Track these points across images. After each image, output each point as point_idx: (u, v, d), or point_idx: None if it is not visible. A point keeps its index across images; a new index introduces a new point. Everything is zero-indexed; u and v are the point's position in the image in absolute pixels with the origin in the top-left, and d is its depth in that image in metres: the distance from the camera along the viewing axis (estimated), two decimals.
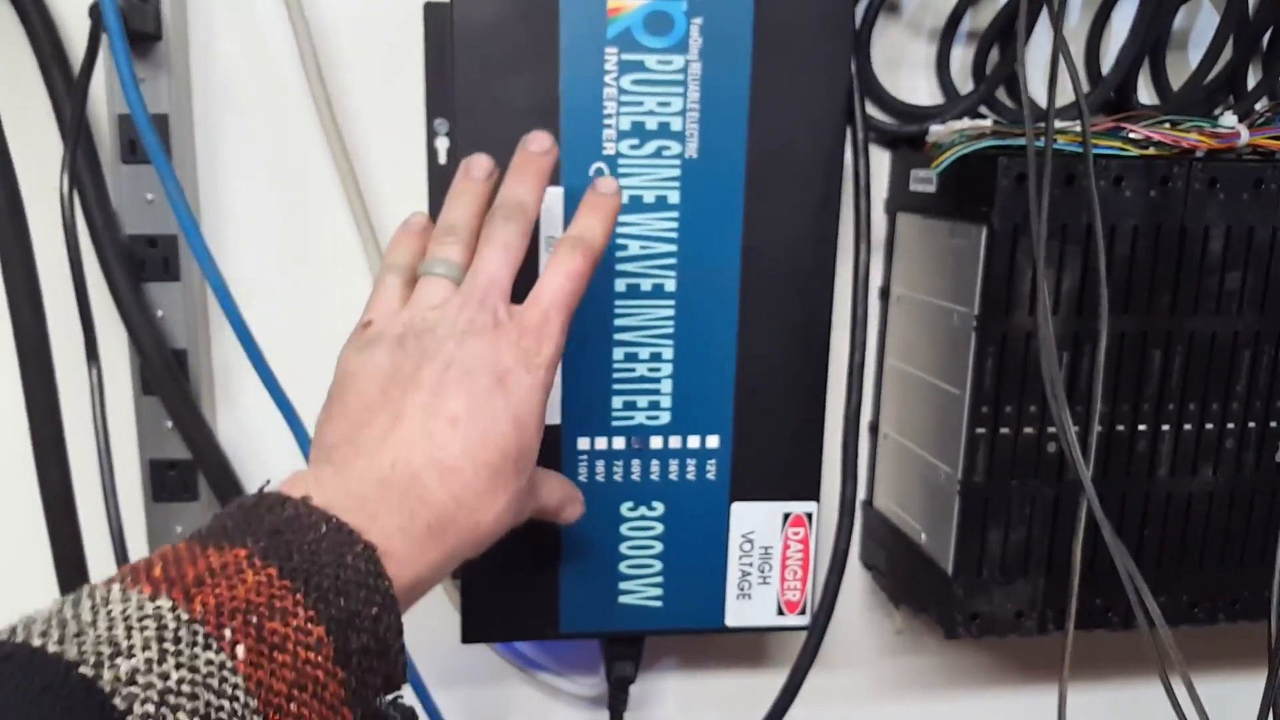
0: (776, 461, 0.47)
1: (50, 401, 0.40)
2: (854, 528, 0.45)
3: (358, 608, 0.27)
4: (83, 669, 0.23)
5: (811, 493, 0.47)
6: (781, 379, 0.46)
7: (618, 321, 0.44)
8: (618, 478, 0.46)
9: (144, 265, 0.46)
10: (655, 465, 0.46)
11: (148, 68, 0.45)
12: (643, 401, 0.45)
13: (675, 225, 0.44)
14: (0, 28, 0.44)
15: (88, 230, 0.44)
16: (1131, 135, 0.43)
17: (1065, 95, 0.51)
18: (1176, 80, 0.52)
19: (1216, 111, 0.52)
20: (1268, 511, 0.48)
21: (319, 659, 0.26)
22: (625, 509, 0.46)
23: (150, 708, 0.23)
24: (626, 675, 0.50)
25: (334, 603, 0.27)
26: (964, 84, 0.51)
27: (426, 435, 0.31)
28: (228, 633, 0.25)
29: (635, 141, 0.43)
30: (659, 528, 0.47)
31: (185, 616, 0.24)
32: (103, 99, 0.45)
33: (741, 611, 0.48)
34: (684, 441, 0.46)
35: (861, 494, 0.57)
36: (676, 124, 0.43)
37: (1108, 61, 0.51)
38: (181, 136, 0.47)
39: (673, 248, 0.44)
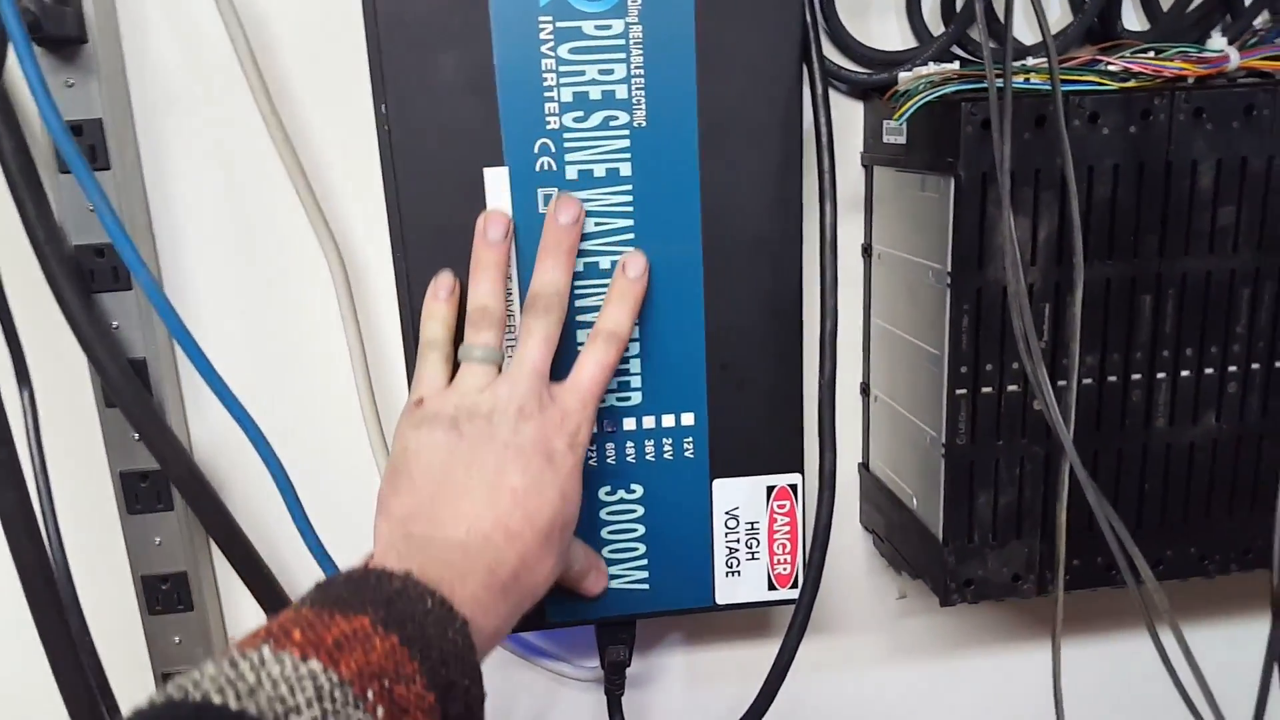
0: (755, 435, 0.45)
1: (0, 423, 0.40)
2: (834, 499, 0.44)
3: (456, 678, 0.30)
4: None
5: (795, 464, 0.46)
6: (754, 350, 0.44)
7: (579, 303, 0.42)
8: (592, 462, 0.44)
9: (94, 275, 0.45)
10: (630, 447, 0.45)
11: (76, 72, 0.43)
12: (613, 383, 0.44)
13: (630, 199, 0.42)
14: None
15: (30, 244, 0.43)
16: (1109, 68, 0.40)
17: (1052, 27, 0.48)
18: (1167, 3, 0.49)
19: (1218, 30, 0.49)
20: (1279, 455, 0.45)
21: None
22: (603, 493, 0.45)
23: None
24: (620, 659, 0.49)
25: (440, 672, 0.29)
26: (938, 26, 0.48)
27: (492, 505, 0.36)
28: (370, 695, 0.27)
29: (579, 114, 0.41)
30: (639, 510, 0.45)
31: (336, 679, 0.26)
32: (33, 106, 0.44)
33: (731, 589, 0.47)
34: (658, 421, 0.45)
35: (858, 457, 0.55)
36: (621, 92, 0.41)
37: None
38: (122, 140, 0.45)
39: (629, 222, 0.42)
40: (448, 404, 0.38)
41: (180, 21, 0.46)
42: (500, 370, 0.39)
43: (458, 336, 0.40)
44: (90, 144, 0.44)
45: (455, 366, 0.40)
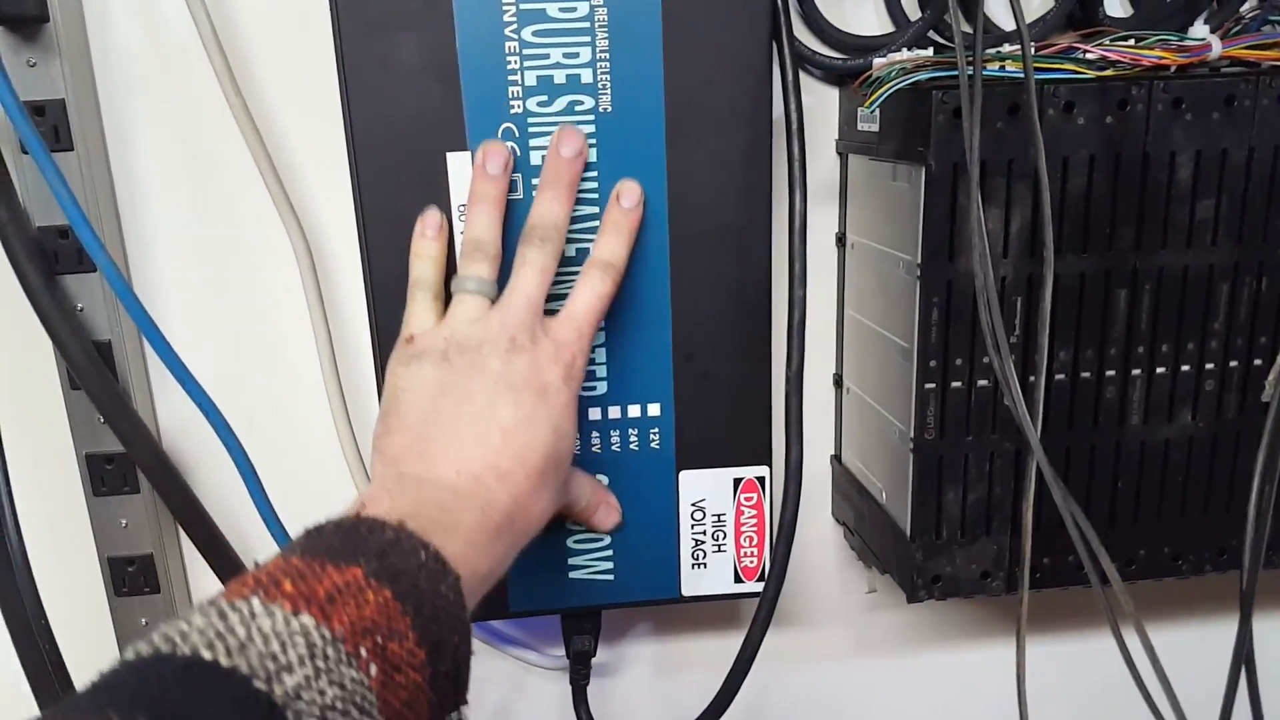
0: (723, 426, 0.45)
1: None
2: (800, 492, 0.43)
3: (446, 634, 0.29)
4: (256, 683, 0.24)
5: (762, 456, 0.45)
6: (721, 341, 0.43)
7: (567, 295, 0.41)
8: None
9: (58, 257, 0.45)
10: (595, 437, 0.44)
11: (38, 51, 0.43)
12: None
13: (595, 185, 0.41)
14: None
15: None
16: (1086, 56, 0.39)
17: (1032, 13, 0.47)
18: None
19: (1203, 17, 0.47)
20: (1255, 454, 0.44)
21: (420, 680, 0.28)
22: None
23: None
24: (584, 649, 0.49)
25: (430, 628, 0.28)
26: (916, 11, 0.47)
27: (482, 443, 0.35)
28: (363, 652, 0.26)
29: (543, 98, 0.40)
30: None
31: (328, 635, 0.26)
32: None
33: (697, 580, 0.47)
34: (624, 412, 0.44)
35: (831, 449, 0.54)
36: (586, 76, 0.40)
37: None
38: (86, 121, 0.45)
39: (594, 209, 0.41)
40: (438, 338, 0.37)
41: (144, 2, 0.45)
42: (493, 304, 0.38)
43: (448, 275, 0.39)
44: (53, 124, 0.44)
45: (446, 305, 0.39)
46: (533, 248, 0.38)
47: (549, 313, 0.38)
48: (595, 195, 0.41)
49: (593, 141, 0.41)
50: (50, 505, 0.49)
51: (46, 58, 0.43)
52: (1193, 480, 0.44)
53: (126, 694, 0.23)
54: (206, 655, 0.24)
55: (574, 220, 0.41)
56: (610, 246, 0.39)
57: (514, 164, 0.39)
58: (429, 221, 0.39)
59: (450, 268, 0.40)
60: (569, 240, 0.41)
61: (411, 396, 0.36)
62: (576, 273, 0.41)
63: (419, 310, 0.39)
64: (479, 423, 0.35)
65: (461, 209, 0.41)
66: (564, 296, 0.39)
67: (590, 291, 0.38)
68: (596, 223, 0.41)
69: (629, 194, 0.40)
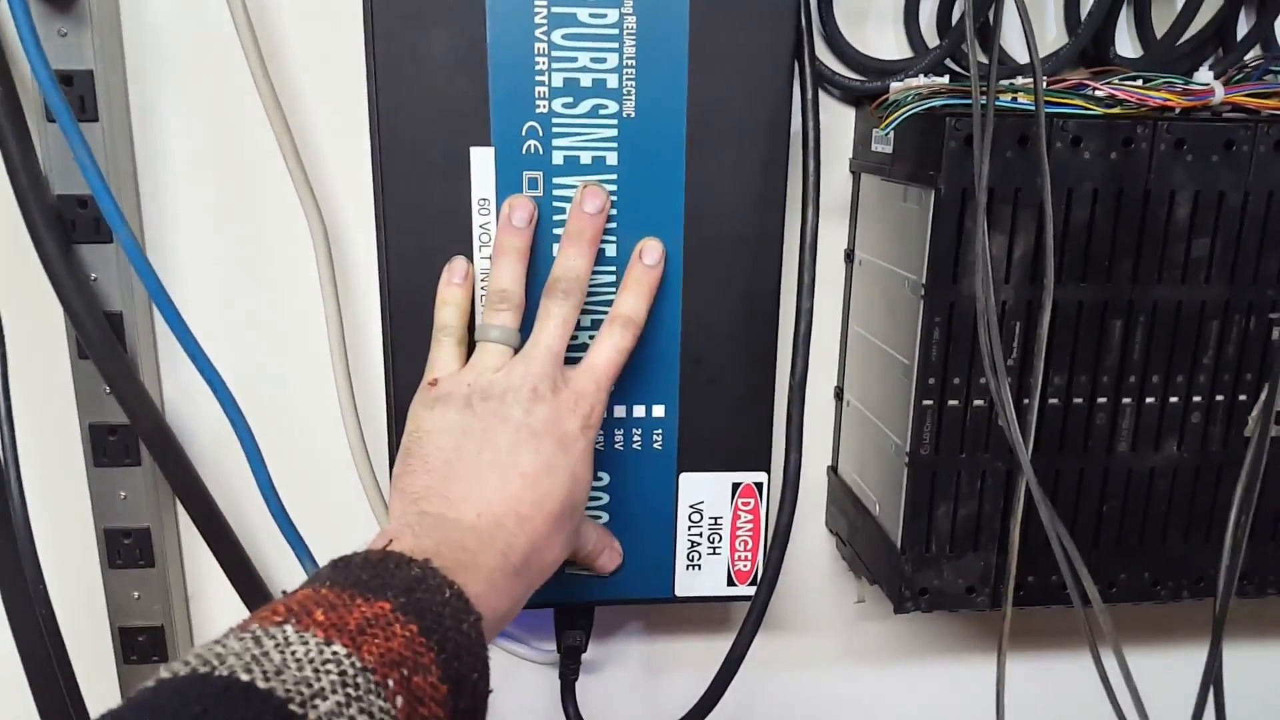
0: (725, 431, 0.46)
1: None
2: (797, 499, 0.44)
3: (467, 672, 0.30)
4: (292, 707, 0.24)
5: (761, 463, 0.46)
6: (728, 347, 0.44)
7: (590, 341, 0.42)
8: None
9: (75, 226, 0.45)
10: (601, 435, 0.45)
11: (69, 22, 0.43)
12: None
13: (614, 189, 0.42)
14: None
15: (13, 190, 0.43)
16: (1095, 93, 0.41)
17: (1047, 47, 0.49)
18: (1162, 30, 0.49)
19: (1208, 63, 0.49)
20: (1235, 486, 0.46)
21: (442, 714, 0.28)
22: None
23: None
24: (576, 644, 0.50)
25: (453, 665, 0.29)
26: (934, 37, 0.49)
27: (503, 487, 0.36)
28: (390, 683, 0.27)
29: (569, 99, 0.41)
30: (605, 498, 0.46)
31: (359, 664, 0.26)
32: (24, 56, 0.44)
33: (691, 582, 0.48)
34: (629, 411, 0.45)
35: (828, 460, 0.55)
36: (612, 81, 0.41)
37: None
38: (113, 93, 0.45)
39: (613, 211, 0.42)
40: (461, 384, 0.38)
41: None
42: (516, 352, 0.39)
43: (471, 321, 0.41)
44: (80, 95, 0.44)
45: (469, 350, 0.40)
46: (556, 301, 0.39)
47: (569, 362, 0.40)
48: (614, 198, 0.42)
49: (614, 145, 0.41)
50: (51, 474, 0.49)
51: (78, 28, 0.43)
52: (1175, 508, 0.46)
53: (169, 713, 0.24)
54: (244, 677, 0.24)
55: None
56: (631, 303, 0.41)
57: (538, 218, 0.41)
58: (456, 269, 0.41)
59: (474, 306, 0.41)
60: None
61: (435, 439, 0.37)
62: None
63: (443, 355, 0.40)
64: (501, 468, 0.36)
65: (482, 203, 0.42)
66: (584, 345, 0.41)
67: (611, 346, 0.40)
68: (611, 225, 0.42)
69: (651, 251, 0.41)
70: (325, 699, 0.25)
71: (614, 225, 0.42)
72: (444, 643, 0.29)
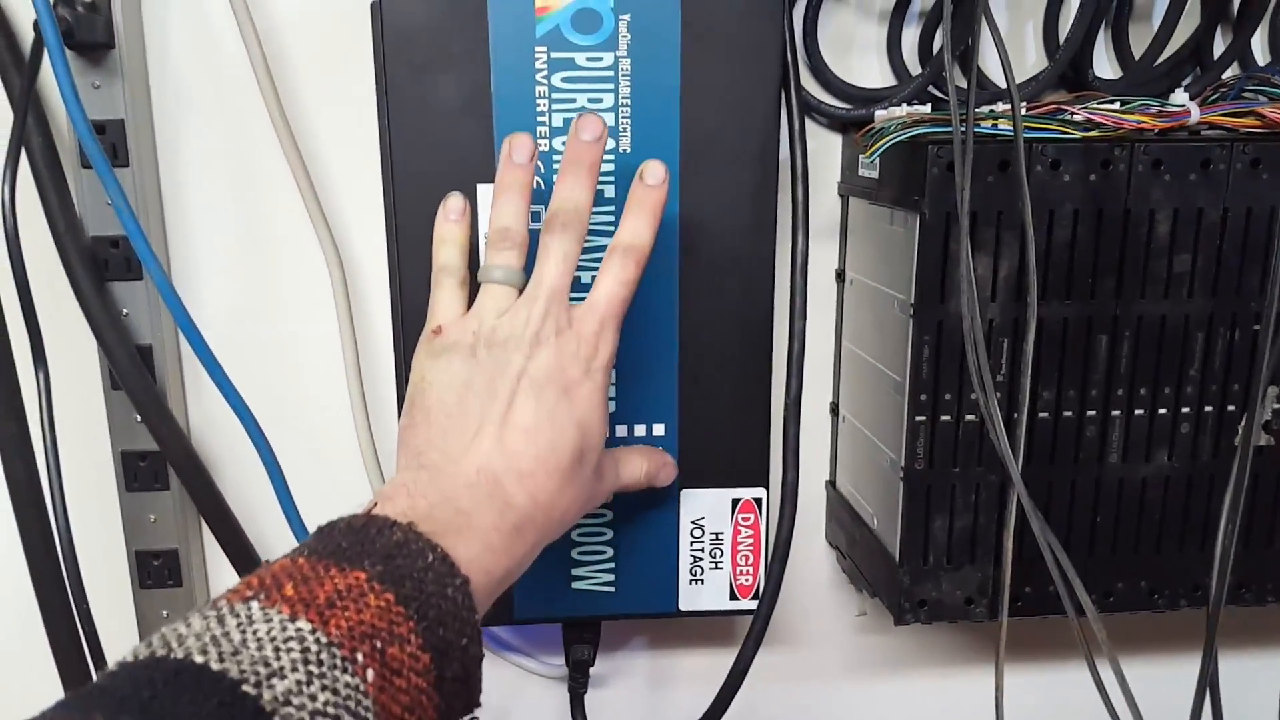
0: (724, 448, 0.47)
1: (13, 400, 0.42)
2: (795, 514, 0.45)
3: (453, 638, 0.29)
4: (245, 688, 0.24)
5: (760, 478, 0.48)
6: (724, 367, 0.46)
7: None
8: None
9: (108, 265, 0.48)
10: None
11: (102, 75, 0.46)
12: None
13: (612, 219, 0.44)
14: None
15: (50, 233, 0.46)
16: (1073, 117, 0.42)
17: (1027, 71, 0.50)
18: (1140, 51, 0.50)
19: (1185, 83, 0.50)
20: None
21: (425, 684, 0.28)
22: None
23: None
24: (583, 658, 0.51)
25: (436, 632, 0.29)
26: (917, 65, 0.51)
27: (502, 444, 0.35)
28: (359, 657, 0.26)
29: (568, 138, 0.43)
30: (609, 515, 0.47)
31: (324, 640, 0.26)
32: (62, 107, 0.47)
33: (694, 596, 0.49)
34: (630, 431, 0.47)
35: (826, 475, 0.57)
36: (609, 119, 0.43)
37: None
38: (141, 140, 0.48)
39: (610, 240, 0.44)
40: (466, 331, 0.37)
41: (200, 30, 0.48)
42: (520, 292, 0.38)
43: (472, 261, 0.40)
44: (112, 142, 0.47)
45: (471, 292, 0.39)
46: (555, 235, 0.37)
47: (576, 298, 0.38)
48: (613, 228, 0.44)
49: (612, 179, 0.44)
50: (85, 498, 0.52)
51: (110, 81, 0.46)
52: (1169, 518, 0.46)
53: (117, 697, 0.24)
54: (199, 659, 0.24)
55: (587, 251, 0.43)
56: (633, 228, 0.38)
57: (537, 154, 0.40)
58: (452, 205, 0.39)
59: (474, 255, 0.41)
60: (582, 268, 0.44)
61: (438, 391, 0.36)
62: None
63: (445, 298, 0.38)
64: (501, 422, 0.35)
65: (488, 236, 0.44)
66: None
67: (612, 279, 0.37)
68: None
69: (653, 172, 0.38)
70: (284, 677, 0.25)
71: None
72: (425, 609, 0.28)
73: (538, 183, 0.43)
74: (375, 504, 0.33)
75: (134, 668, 0.25)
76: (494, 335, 0.36)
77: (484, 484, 0.34)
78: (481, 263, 0.39)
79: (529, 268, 0.38)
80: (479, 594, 0.31)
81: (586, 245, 0.39)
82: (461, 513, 0.33)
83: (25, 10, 0.46)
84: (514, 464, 0.35)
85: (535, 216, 0.41)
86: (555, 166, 0.43)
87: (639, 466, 0.43)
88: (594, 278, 0.38)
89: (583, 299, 0.38)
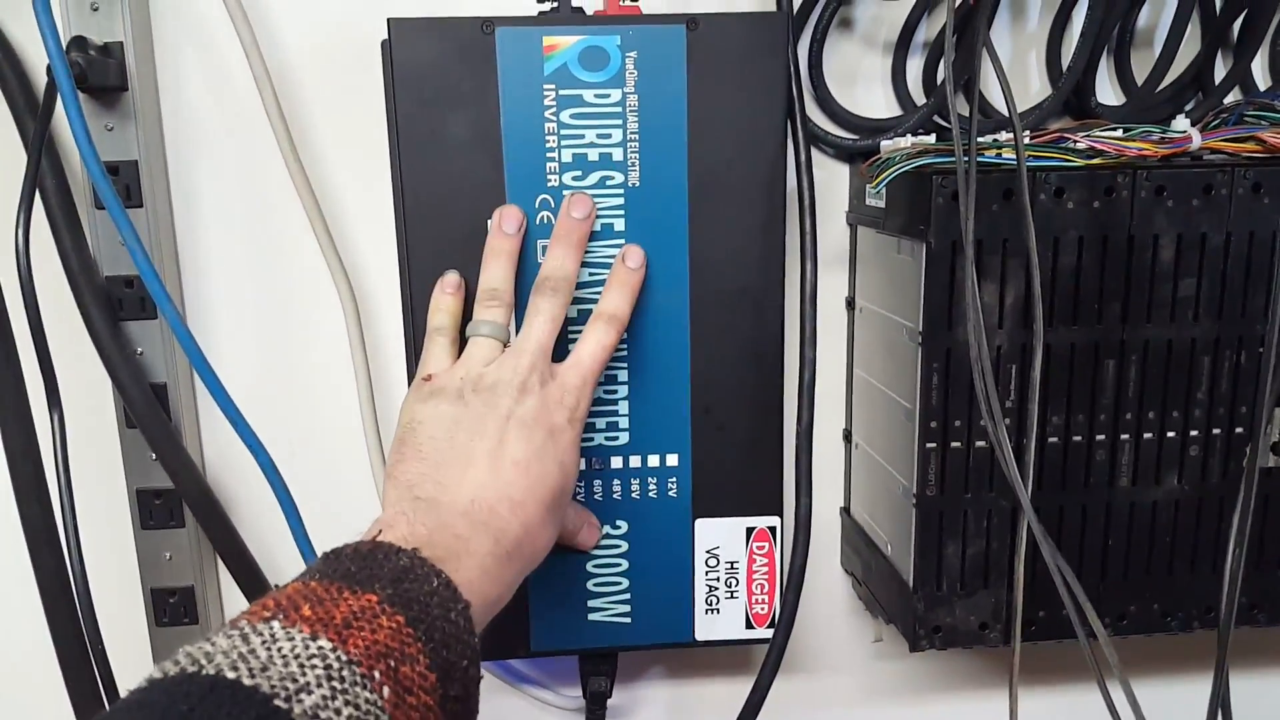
0: (737, 477, 0.47)
1: (28, 442, 0.43)
2: (809, 543, 0.46)
3: (455, 659, 0.31)
4: (277, 702, 0.25)
5: (774, 507, 0.48)
6: (737, 396, 0.46)
7: (573, 346, 0.45)
8: (580, 498, 0.47)
9: (122, 304, 0.48)
10: (617, 485, 0.47)
11: (115, 117, 0.47)
12: (601, 423, 0.46)
13: (618, 250, 0.44)
14: None
15: (65, 273, 0.46)
16: (1076, 145, 0.43)
17: (1031, 99, 0.51)
18: (1142, 77, 0.51)
19: (1188, 108, 0.51)
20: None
21: (432, 702, 0.29)
22: None
23: None
24: (601, 690, 0.51)
25: (441, 653, 0.30)
26: (921, 95, 0.51)
27: (496, 475, 0.37)
28: (376, 675, 0.28)
29: (578, 173, 0.44)
30: (624, 545, 0.48)
31: (345, 658, 0.27)
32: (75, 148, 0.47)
33: (710, 626, 0.49)
34: (644, 461, 0.47)
35: (841, 501, 0.57)
36: (618, 154, 0.44)
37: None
38: (155, 180, 0.49)
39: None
40: (454, 377, 0.40)
41: (212, 72, 0.49)
42: (506, 347, 0.41)
43: (463, 327, 0.43)
44: (126, 183, 0.48)
45: (460, 350, 0.42)
46: (545, 297, 0.41)
47: (557, 359, 0.41)
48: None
49: (621, 213, 0.44)
50: (101, 536, 0.52)
51: (123, 123, 0.47)
52: (1180, 540, 0.47)
53: (157, 710, 0.25)
54: (230, 675, 0.25)
55: (599, 284, 0.44)
56: (615, 301, 0.43)
57: (526, 226, 0.43)
58: (448, 281, 0.43)
59: (466, 320, 0.43)
60: (593, 300, 0.44)
61: (428, 430, 0.39)
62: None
63: (436, 351, 0.42)
64: (493, 456, 0.38)
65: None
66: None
67: (595, 342, 0.42)
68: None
69: (633, 256, 0.43)
70: (310, 693, 0.26)
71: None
72: (432, 632, 0.30)
73: (547, 217, 0.44)
74: (378, 531, 0.34)
75: (167, 684, 0.25)
76: (481, 381, 0.39)
77: (479, 512, 0.36)
78: (471, 319, 0.42)
79: (515, 328, 0.42)
80: (476, 617, 0.33)
81: (594, 270, 0.43)
82: (459, 539, 0.35)
83: (39, 53, 0.47)
84: (507, 493, 0.37)
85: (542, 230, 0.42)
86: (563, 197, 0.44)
87: (571, 518, 0.45)
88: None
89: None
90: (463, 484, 0.37)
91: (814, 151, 0.50)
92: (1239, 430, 0.46)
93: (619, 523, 0.47)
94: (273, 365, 0.52)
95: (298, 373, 0.52)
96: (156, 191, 0.49)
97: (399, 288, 0.44)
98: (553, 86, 0.43)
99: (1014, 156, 0.41)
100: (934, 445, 0.44)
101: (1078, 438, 0.45)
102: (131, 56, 0.46)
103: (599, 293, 0.44)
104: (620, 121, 0.43)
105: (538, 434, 0.38)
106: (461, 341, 0.42)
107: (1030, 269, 0.40)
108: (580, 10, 0.43)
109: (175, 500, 0.50)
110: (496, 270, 0.42)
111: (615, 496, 0.47)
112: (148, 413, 0.47)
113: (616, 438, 0.46)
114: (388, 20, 0.41)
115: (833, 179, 0.52)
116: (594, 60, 0.42)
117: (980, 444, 0.44)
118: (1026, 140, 0.43)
